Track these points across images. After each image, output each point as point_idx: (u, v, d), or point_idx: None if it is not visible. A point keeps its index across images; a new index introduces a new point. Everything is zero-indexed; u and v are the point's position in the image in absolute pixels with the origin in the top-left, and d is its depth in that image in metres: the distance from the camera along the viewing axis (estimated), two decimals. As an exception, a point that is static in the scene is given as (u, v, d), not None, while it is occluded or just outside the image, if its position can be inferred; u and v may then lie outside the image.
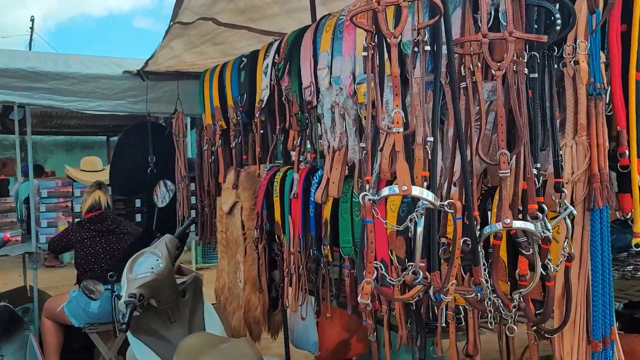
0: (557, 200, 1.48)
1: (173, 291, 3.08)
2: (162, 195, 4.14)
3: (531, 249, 1.44)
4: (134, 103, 4.26)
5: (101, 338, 4.25)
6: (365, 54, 1.37)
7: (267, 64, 3.26)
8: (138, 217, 5.31)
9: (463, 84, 1.45)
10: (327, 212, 2.76)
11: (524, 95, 1.41)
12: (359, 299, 1.33)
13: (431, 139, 1.36)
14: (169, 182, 4.17)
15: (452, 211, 1.32)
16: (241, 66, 3.65)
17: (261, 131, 3.37)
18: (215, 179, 4.14)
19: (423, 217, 1.31)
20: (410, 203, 2.28)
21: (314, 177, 2.95)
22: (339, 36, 2.60)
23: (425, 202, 1.32)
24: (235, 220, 4.00)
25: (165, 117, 4.63)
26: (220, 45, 3.74)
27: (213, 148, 4.08)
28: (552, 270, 1.47)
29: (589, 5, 1.52)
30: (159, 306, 3.01)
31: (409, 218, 1.36)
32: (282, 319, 3.71)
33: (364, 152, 1.45)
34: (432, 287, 1.37)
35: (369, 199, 1.33)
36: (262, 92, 3.31)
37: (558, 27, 1.47)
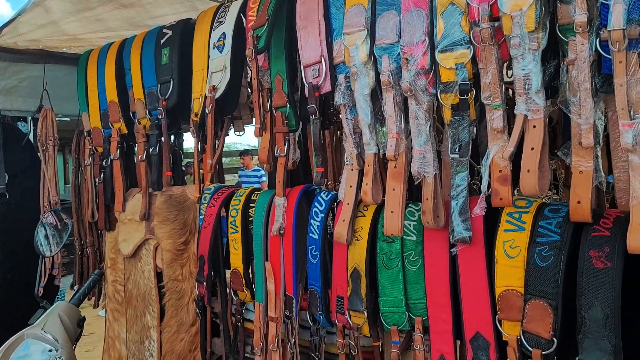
0: None
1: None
2: (51, 235, 2.72)
3: None
4: (-27, 94, 2.81)
5: None
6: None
7: (224, 34, 2.18)
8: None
9: None
10: (357, 257, 1.76)
11: None
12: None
13: None
14: (63, 215, 2.76)
15: None
16: (162, 41, 2.50)
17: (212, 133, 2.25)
18: (105, 207, 2.86)
19: None
20: (557, 244, 1.40)
21: (316, 203, 1.94)
22: (389, -19, 1.66)
23: None
24: (143, 266, 2.77)
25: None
26: (130, 8, 2.53)
27: (105, 162, 2.81)
28: None
29: None
30: None
31: None
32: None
33: None
34: None
35: None
36: (214, 75, 2.20)
37: None
